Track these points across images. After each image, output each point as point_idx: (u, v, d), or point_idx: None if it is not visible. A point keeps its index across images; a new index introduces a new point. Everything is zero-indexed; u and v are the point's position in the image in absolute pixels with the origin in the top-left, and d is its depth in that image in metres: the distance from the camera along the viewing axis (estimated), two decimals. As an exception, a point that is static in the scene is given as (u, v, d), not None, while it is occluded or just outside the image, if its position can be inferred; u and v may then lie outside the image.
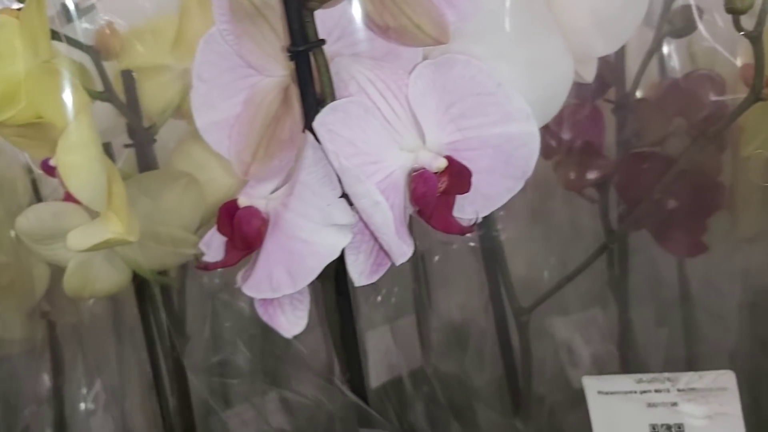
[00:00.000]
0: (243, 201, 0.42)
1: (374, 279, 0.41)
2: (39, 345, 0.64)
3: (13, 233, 0.56)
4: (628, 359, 0.63)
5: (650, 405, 0.47)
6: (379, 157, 0.40)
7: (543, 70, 0.43)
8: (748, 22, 0.43)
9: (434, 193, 0.39)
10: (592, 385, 0.48)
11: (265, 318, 0.42)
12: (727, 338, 0.61)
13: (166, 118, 0.55)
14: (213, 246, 0.45)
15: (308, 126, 0.39)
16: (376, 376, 0.60)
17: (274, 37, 0.41)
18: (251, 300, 0.42)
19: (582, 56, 0.48)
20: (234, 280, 0.44)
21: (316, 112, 0.39)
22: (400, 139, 0.40)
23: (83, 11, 0.52)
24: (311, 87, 0.40)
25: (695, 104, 0.58)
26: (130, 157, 0.57)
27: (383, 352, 0.61)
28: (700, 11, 0.54)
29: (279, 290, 0.40)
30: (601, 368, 0.64)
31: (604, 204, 0.61)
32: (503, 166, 0.41)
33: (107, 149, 0.53)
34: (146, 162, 0.55)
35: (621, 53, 0.60)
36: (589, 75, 0.51)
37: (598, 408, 0.47)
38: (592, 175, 0.61)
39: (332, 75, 0.40)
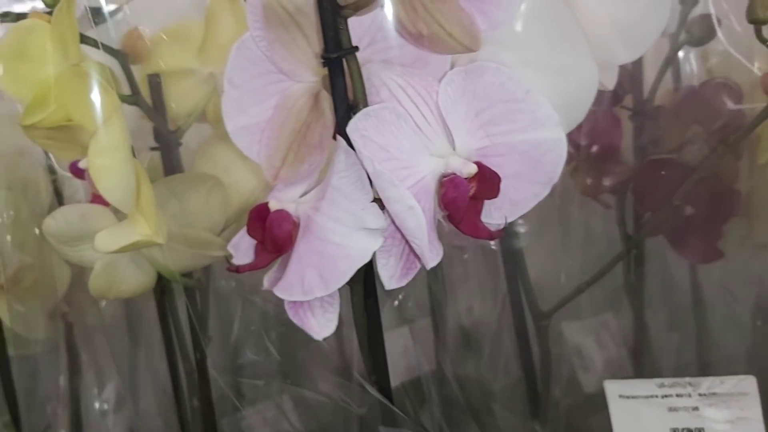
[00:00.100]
0: (274, 205, 0.42)
1: (404, 282, 0.42)
2: (59, 345, 0.65)
3: (37, 233, 0.57)
4: (642, 364, 0.64)
5: (671, 409, 0.47)
6: (411, 163, 0.40)
7: (569, 77, 0.44)
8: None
9: (465, 198, 0.39)
10: (613, 389, 0.48)
11: (295, 320, 0.43)
12: (741, 344, 0.62)
13: (192, 121, 0.56)
14: (241, 248, 0.46)
15: (341, 131, 0.40)
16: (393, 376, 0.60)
17: (306, 44, 0.42)
18: (277, 301, 0.43)
19: (604, 64, 0.48)
20: (254, 283, 0.44)
21: (349, 117, 0.40)
22: (431, 145, 0.41)
23: (111, 15, 0.53)
24: (344, 93, 0.41)
25: (712, 112, 0.58)
26: (153, 160, 0.57)
27: (400, 354, 0.61)
28: (718, 20, 0.55)
29: (311, 293, 0.40)
30: (615, 373, 0.64)
31: (621, 210, 0.61)
32: (531, 172, 0.41)
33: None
34: (172, 165, 0.56)
35: (638, 61, 0.61)
36: (611, 82, 0.52)
37: (619, 412, 0.48)
38: (608, 181, 0.62)
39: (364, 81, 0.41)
